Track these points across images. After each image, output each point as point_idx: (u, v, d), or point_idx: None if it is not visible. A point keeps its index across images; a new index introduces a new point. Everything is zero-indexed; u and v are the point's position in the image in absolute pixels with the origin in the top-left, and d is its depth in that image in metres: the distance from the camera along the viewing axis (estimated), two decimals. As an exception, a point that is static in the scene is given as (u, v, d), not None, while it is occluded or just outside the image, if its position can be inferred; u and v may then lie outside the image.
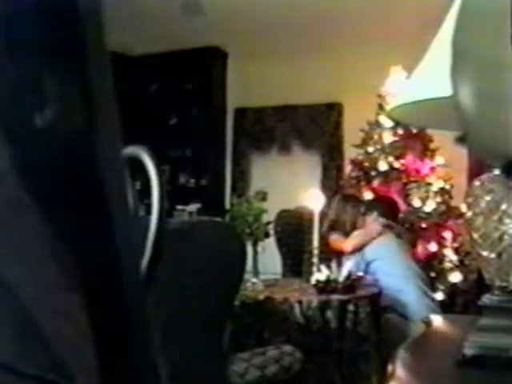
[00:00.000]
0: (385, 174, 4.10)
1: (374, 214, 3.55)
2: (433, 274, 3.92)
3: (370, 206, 3.67)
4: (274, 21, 4.74)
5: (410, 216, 4.00)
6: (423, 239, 3.97)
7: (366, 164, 4.18)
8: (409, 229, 3.94)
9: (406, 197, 4.05)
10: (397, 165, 4.10)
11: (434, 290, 3.85)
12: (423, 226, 4.00)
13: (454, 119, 0.75)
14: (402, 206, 3.99)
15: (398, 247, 3.41)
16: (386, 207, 3.67)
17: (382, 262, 3.27)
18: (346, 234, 3.54)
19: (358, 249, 3.37)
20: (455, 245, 3.99)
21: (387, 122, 4.15)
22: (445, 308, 3.71)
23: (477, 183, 0.82)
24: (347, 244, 3.43)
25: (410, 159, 4.13)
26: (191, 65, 5.70)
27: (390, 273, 3.21)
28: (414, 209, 4.02)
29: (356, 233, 3.50)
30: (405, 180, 4.08)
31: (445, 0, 1.04)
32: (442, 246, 3.98)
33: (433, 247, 3.94)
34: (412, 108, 1.04)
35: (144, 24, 4.89)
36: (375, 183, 4.12)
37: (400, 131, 4.15)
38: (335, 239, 3.51)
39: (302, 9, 4.46)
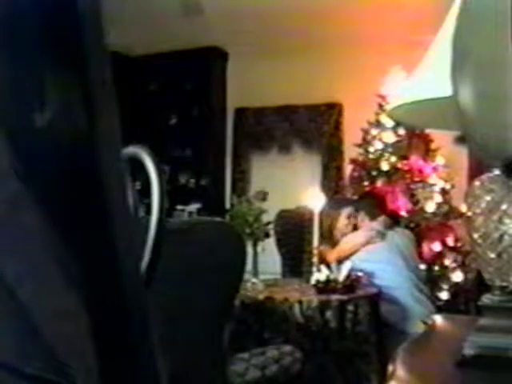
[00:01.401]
0: (388, 174, 4.10)
1: (361, 214, 3.54)
2: (437, 274, 3.93)
3: (357, 206, 3.63)
4: (274, 21, 4.74)
5: (417, 216, 4.01)
6: (428, 239, 3.97)
7: (369, 164, 4.18)
8: (414, 229, 3.94)
9: (411, 197, 4.05)
10: (399, 165, 4.11)
11: (439, 289, 3.86)
12: (429, 225, 4.01)
13: (454, 119, 0.75)
14: (408, 206, 3.99)
15: (389, 254, 3.30)
16: (372, 205, 3.62)
17: (371, 269, 3.22)
18: (331, 241, 3.51)
19: (344, 258, 3.26)
20: (458, 244, 4.00)
21: (389, 122, 4.15)
22: (449, 307, 3.72)
23: (477, 183, 0.82)
24: (330, 255, 3.36)
25: (413, 159, 4.13)
26: (191, 65, 5.70)
27: (380, 283, 3.16)
28: (420, 209, 4.03)
29: (343, 240, 3.46)
30: (408, 180, 4.09)
31: (445, 0, 1.04)
32: (445, 245, 4.00)
33: (437, 247, 3.95)
34: (412, 108, 1.04)
35: (144, 24, 4.89)
36: (379, 183, 4.12)
37: (401, 131, 4.15)
38: (322, 250, 3.34)
39: (302, 9, 4.45)
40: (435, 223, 4.01)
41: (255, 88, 5.59)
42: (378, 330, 2.88)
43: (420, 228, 3.98)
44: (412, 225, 3.96)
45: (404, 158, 4.13)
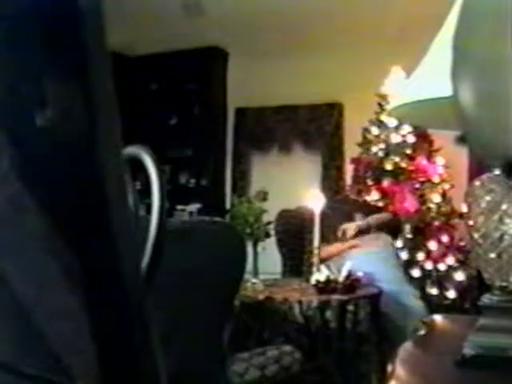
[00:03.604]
0: (393, 174, 4.10)
1: (359, 216, 3.54)
2: (442, 274, 3.95)
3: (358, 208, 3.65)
4: (275, 20, 4.74)
5: (426, 216, 4.02)
6: (435, 238, 3.99)
7: (374, 164, 4.19)
8: (422, 229, 3.96)
9: (420, 197, 4.06)
10: (403, 165, 4.11)
11: (446, 288, 3.88)
12: (435, 225, 4.03)
13: (454, 119, 0.75)
14: (415, 206, 4.00)
15: (379, 256, 3.30)
16: (368, 207, 3.63)
17: (371, 269, 3.21)
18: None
19: (332, 256, 3.31)
20: (462, 243, 4.01)
21: (391, 122, 4.15)
22: (455, 306, 3.73)
23: (477, 183, 0.82)
24: (323, 250, 3.36)
25: (419, 159, 4.14)
26: (192, 65, 5.70)
27: (379, 283, 3.14)
28: (428, 209, 4.04)
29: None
30: (414, 180, 4.10)
31: (445, 0, 1.04)
32: (448, 245, 4.02)
33: (441, 246, 3.97)
34: (412, 108, 1.04)
35: (144, 24, 4.89)
36: (385, 183, 4.13)
37: (404, 131, 4.16)
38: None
39: (302, 9, 4.46)
40: (442, 222, 4.03)
41: (255, 88, 5.59)
42: (378, 330, 2.87)
43: (430, 227, 4.00)
44: (422, 224, 3.97)
45: (409, 158, 4.14)
